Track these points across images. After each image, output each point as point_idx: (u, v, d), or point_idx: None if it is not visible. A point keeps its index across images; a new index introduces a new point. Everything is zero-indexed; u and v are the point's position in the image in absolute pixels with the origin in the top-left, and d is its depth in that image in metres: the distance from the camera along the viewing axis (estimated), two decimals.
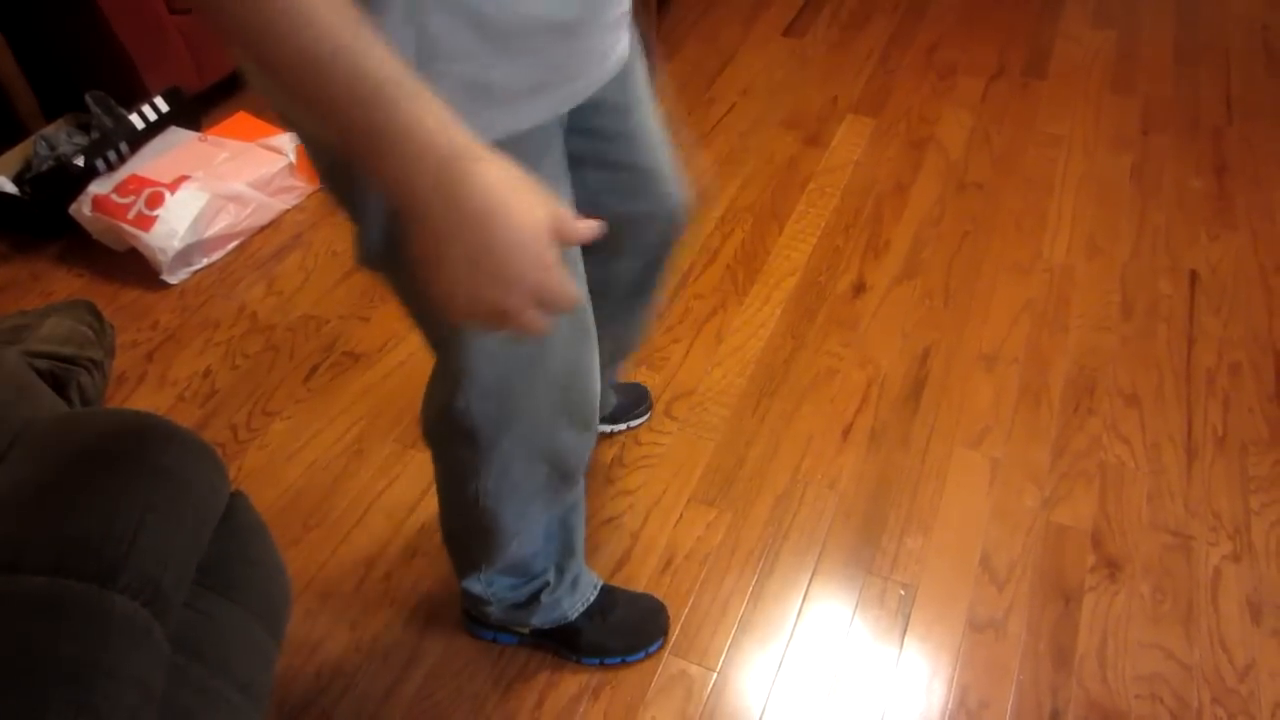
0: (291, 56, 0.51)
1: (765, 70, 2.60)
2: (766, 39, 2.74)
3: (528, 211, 0.56)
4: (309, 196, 2.21)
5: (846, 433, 1.62)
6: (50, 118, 2.27)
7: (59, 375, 1.58)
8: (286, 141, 2.19)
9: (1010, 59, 2.60)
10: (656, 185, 1.04)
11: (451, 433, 0.98)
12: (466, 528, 1.15)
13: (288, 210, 2.18)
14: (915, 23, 2.78)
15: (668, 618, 1.36)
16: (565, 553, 1.21)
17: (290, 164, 2.16)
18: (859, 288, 1.90)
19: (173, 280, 2.00)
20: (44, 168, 2.07)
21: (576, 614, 1.28)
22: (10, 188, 2.06)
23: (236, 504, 1.12)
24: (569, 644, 1.31)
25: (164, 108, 2.21)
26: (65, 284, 2.02)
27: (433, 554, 1.46)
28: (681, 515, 1.50)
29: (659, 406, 1.67)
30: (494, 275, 0.57)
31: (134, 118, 2.16)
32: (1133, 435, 1.60)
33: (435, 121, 0.54)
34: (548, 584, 1.22)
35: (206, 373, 1.79)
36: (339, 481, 1.58)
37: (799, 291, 1.89)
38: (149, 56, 2.25)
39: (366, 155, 0.54)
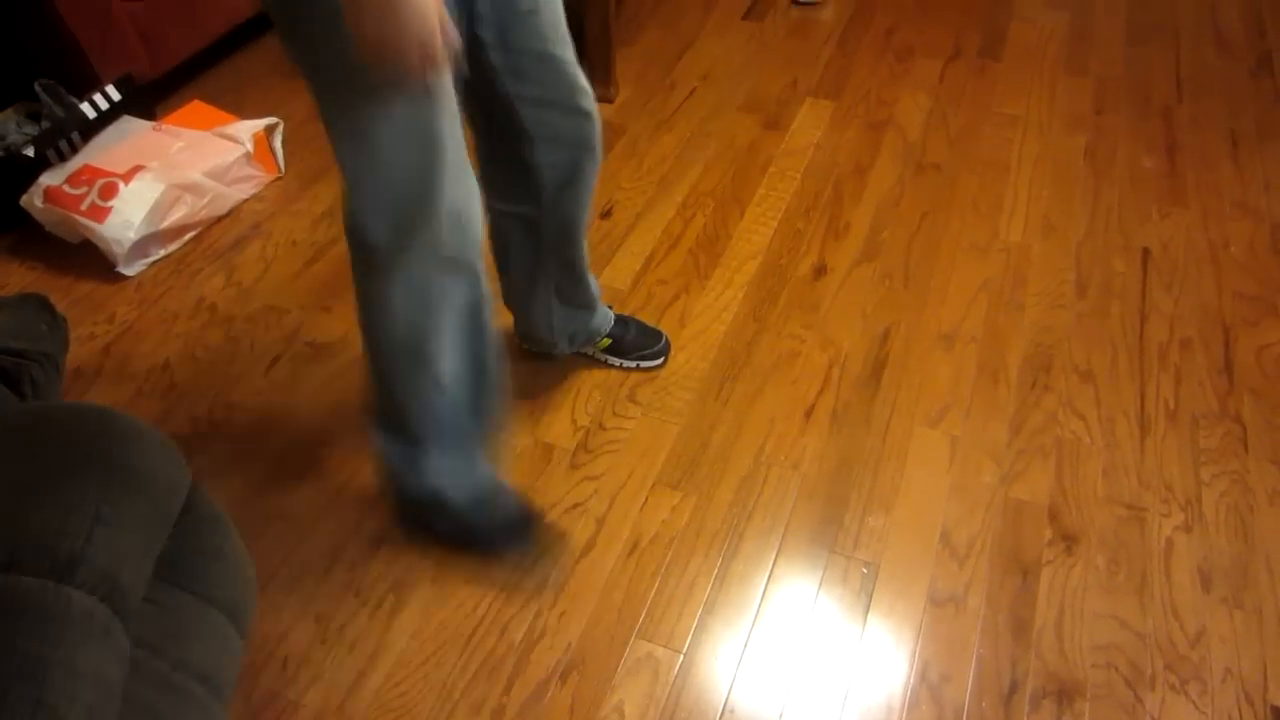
0: None
1: (725, 55, 2.60)
2: (726, 24, 2.74)
3: None
4: (267, 186, 2.18)
5: (809, 414, 1.64)
6: None
7: (10, 370, 1.55)
8: (243, 130, 2.15)
9: (966, 41, 2.63)
10: (553, 73, 1.21)
11: (358, 252, 1.13)
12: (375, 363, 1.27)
13: (245, 200, 2.15)
14: (872, 6, 2.80)
15: (530, 524, 1.46)
16: (472, 417, 1.33)
17: (247, 153, 2.12)
18: (820, 270, 1.91)
19: (129, 272, 1.97)
20: None
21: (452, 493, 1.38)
22: None
23: (197, 497, 1.11)
24: (431, 519, 1.43)
25: (116, 96, 2.16)
26: (18, 277, 1.98)
27: (398, 543, 1.46)
28: (646, 499, 1.51)
29: (623, 392, 1.68)
30: (398, 26, 0.84)
31: (85, 107, 2.11)
32: (1088, 411, 1.64)
33: None
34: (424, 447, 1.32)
35: (165, 366, 1.77)
36: (303, 473, 1.57)
37: (761, 275, 1.91)
38: (99, 44, 2.20)
39: None
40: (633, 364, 1.71)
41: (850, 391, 1.68)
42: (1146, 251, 1.94)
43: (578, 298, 1.54)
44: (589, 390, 1.68)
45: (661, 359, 1.72)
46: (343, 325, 1.83)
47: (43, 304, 1.72)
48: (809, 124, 2.32)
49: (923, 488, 1.52)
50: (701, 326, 1.80)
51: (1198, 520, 1.47)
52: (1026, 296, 1.85)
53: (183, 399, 1.71)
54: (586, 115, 1.28)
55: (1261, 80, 2.43)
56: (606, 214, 2.07)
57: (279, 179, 2.20)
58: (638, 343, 1.70)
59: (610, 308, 1.69)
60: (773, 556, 1.44)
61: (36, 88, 2.13)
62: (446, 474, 1.35)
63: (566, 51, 1.22)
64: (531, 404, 1.66)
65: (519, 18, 1.15)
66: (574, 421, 1.63)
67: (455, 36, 0.91)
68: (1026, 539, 1.45)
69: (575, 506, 1.51)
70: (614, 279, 1.91)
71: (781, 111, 2.36)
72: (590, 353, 1.71)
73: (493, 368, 1.30)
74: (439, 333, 1.19)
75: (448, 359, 1.22)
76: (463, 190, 1.08)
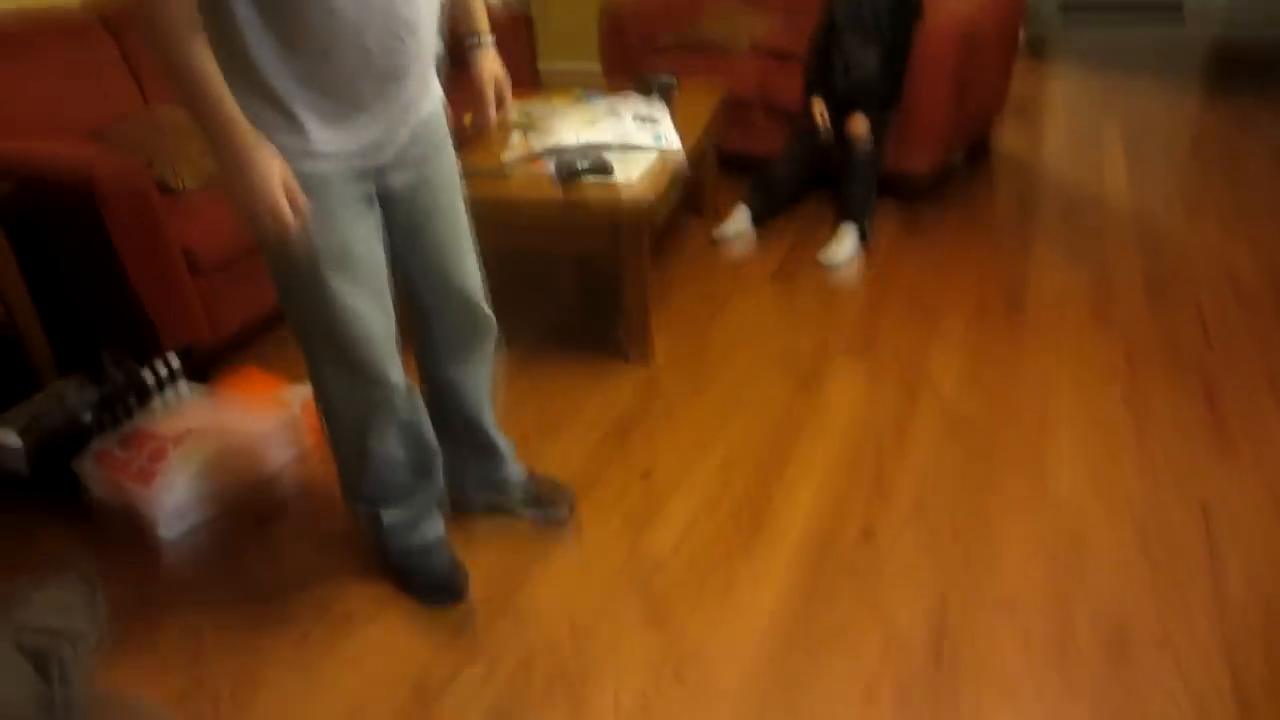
0: (195, 96, 1.18)
1: (756, 315, 2.71)
2: (755, 285, 2.88)
3: (265, 166, 1.25)
4: (311, 450, 2.22)
5: (869, 694, 1.52)
6: (64, 370, 2.31)
7: (40, 650, 1.51)
8: (293, 395, 2.23)
9: (989, 298, 2.72)
10: (442, 266, 1.58)
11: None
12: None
13: (289, 464, 2.18)
14: (895, 267, 2.94)
15: (459, 582, 1.74)
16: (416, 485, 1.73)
17: (294, 417, 2.19)
18: (867, 533, 1.86)
19: (169, 535, 1.97)
20: (53, 423, 2.09)
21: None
22: (15, 441, 2.06)
23: None
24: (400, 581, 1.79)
25: (176, 364, 2.27)
26: (59, 539, 1.98)
27: None
28: None
29: (667, 669, 1.59)
30: (248, 193, 1.25)
31: (146, 373, 2.21)
32: (1175, 686, 1.51)
33: (237, 130, 1.22)
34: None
35: (195, 634, 1.71)
36: None
37: (805, 540, 1.86)
38: (167, 316, 2.33)
39: (209, 139, 1.23)
40: (541, 514, 1.93)
41: (911, 667, 1.57)
42: (1205, 504, 1.88)
43: (486, 453, 1.88)
44: (632, 668, 1.59)
45: (568, 511, 1.94)
46: (376, 594, 1.78)
47: (86, 581, 1.70)
48: (843, 383, 2.36)
49: None
50: (747, 597, 1.73)
51: None
52: (1085, 557, 1.77)
53: (208, 673, 1.63)
54: (471, 311, 1.65)
55: None
56: (646, 476, 2.06)
57: (322, 443, 2.24)
58: (549, 497, 1.94)
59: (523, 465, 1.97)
60: None
61: (103, 356, 2.24)
62: (394, 529, 1.75)
63: (455, 254, 1.58)
64: (570, 682, 1.57)
65: (420, 214, 1.51)
66: (616, 703, 1.53)
67: (304, 201, 1.29)
68: None
69: None
70: (653, 543, 1.86)
71: (814, 371, 2.42)
72: (505, 505, 1.94)
73: (429, 442, 1.69)
74: (373, 425, 1.59)
75: (386, 441, 1.62)
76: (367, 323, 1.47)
